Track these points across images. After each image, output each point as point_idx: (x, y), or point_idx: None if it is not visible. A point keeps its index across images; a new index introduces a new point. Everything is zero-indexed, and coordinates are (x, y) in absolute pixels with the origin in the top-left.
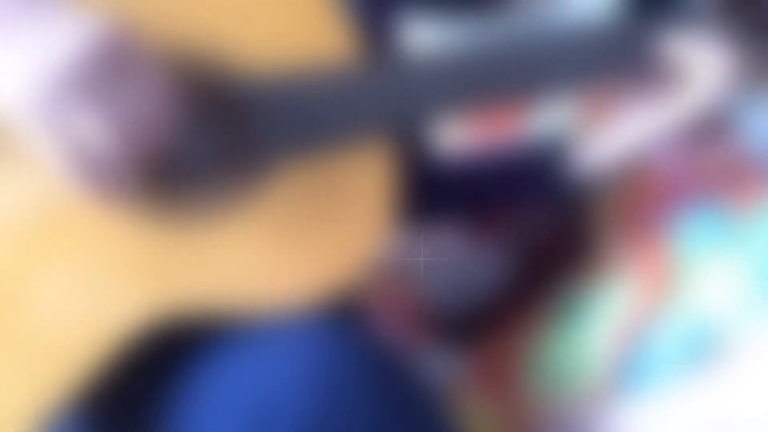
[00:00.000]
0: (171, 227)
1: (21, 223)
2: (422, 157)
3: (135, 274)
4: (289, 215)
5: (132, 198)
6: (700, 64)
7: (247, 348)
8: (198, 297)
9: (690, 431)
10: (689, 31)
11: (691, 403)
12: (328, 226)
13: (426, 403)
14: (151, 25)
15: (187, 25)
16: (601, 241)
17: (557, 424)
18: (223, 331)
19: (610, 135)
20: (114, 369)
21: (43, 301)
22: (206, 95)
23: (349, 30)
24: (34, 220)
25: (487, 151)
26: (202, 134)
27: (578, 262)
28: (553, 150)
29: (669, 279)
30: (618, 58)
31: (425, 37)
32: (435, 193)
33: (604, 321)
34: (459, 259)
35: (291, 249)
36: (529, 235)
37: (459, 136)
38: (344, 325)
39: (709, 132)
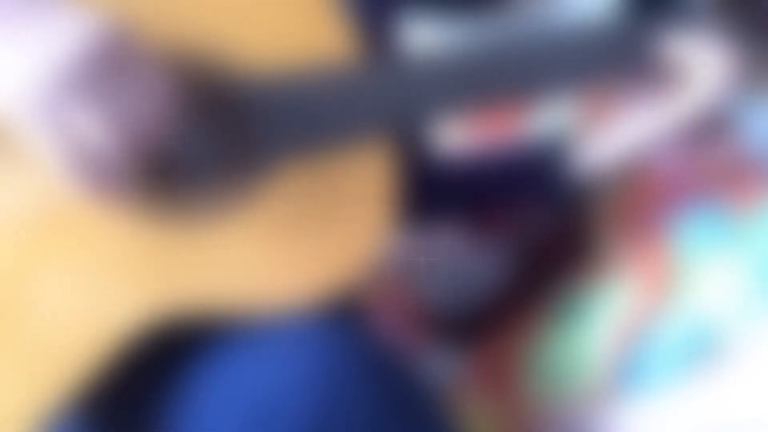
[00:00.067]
0: (171, 227)
1: (21, 223)
2: (422, 157)
3: (135, 274)
4: (289, 215)
5: (132, 198)
6: (700, 64)
7: (247, 348)
8: (198, 297)
9: (690, 431)
10: (689, 31)
11: (691, 403)
12: (328, 227)
13: (426, 403)
14: (151, 24)
15: (187, 25)
16: (601, 241)
17: (557, 424)
18: (223, 331)
19: (610, 135)
20: (114, 369)
21: (43, 301)
22: (206, 95)
23: (349, 30)
24: (34, 220)
25: (487, 151)
26: (202, 134)
27: (578, 262)
28: (553, 150)
29: (669, 279)
30: (618, 58)
31: (425, 37)
32: (435, 193)
33: (604, 321)
34: (459, 259)
35: (291, 249)
36: (529, 235)
37: (459, 136)
38: (344, 325)
39: (709, 132)
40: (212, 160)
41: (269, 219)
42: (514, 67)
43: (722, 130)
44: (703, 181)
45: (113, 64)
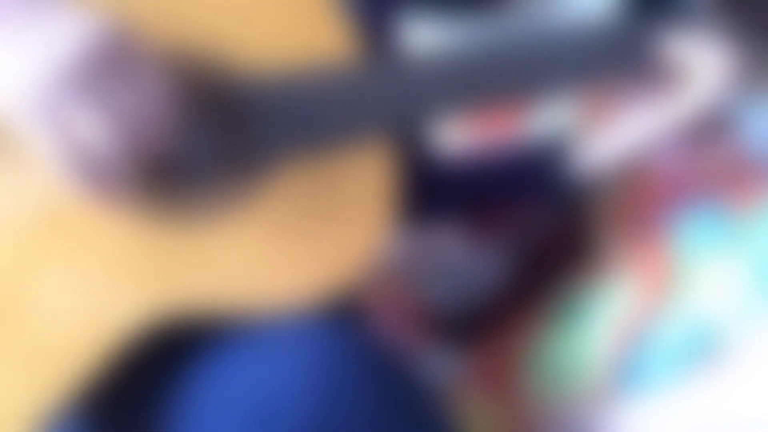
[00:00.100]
0: (171, 227)
1: (21, 223)
2: (422, 157)
3: (135, 275)
4: (289, 215)
5: (131, 198)
6: (700, 64)
7: (247, 348)
8: (198, 297)
9: (690, 431)
10: (689, 31)
11: (691, 403)
12: (328, 226)
13: (426, 403)
14: (151, 25)
15: (187, 25)
16: (601, 241)
17: (557, 424)
18: (223, 331)
19: (610, 135)
20: (114, 369)
21: (43, 301)
22: (206, 95)
23: (349, 30)
24: (34, 220)
25: (487, 151)
26: (202, 134)
27: (578, 262)
28: (553, 150)
29: (669, 279)
30: (618, 58)
31: (425, 37)
32: (435, 193)
33: (604, 321)
34: (459, 259)
35: (291, 249)
36: (529, 235)
37: (459, 136)
38: (344, 325)
39: (709, 132)
40: (212, 160)
41: (269, 219)
42: (514, 67)
43: (722, 130)
44: (703, 181)
45: (113, 65)
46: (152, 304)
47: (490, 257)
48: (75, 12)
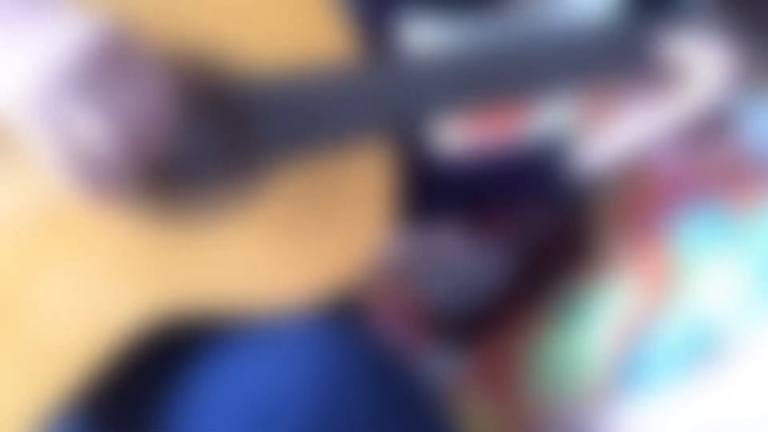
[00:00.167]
0: (171, 227)
1: (21, 223)
2: (422, 157)
3: (135, 274)
4: (289, 215)
5: (131, 198)
6: (700, 64)
7: (247, 348)
8: (198, 297)
9: (690, 431)
10: (689, 31)
11: (691, 403)
12: (328, 226)
13: (426, 403)
14: (151, 25)
15: (187, 25)
16: (601, 241)
17: (557, 424)
18: (223, 331)
19: (610, 135)
20: (114, 369)
21: (43, 301)
22: (206, 95)
23: (349, 30)
24: (34, 220)
25: (487, 151)
26: (202, 134)
27: (578, 262)
28: (553, 150)
29: (669, 279)
30: (618, 58)
31: (425, 37)
32: (435, 193)
33: (604, 321)
34: (459, 259)
35: (291, 249)
36: (529, 235)
37: (459, 136)
38: (344, 325)
39: (709, 132)
40: (212, 160)
41: (269, 219)
42: (515, 67)
43: (722, 130)
44: (703, 181)
45: (113, 65)
46: (152, 304)
47: (490, 257)
48: (75, 12)
